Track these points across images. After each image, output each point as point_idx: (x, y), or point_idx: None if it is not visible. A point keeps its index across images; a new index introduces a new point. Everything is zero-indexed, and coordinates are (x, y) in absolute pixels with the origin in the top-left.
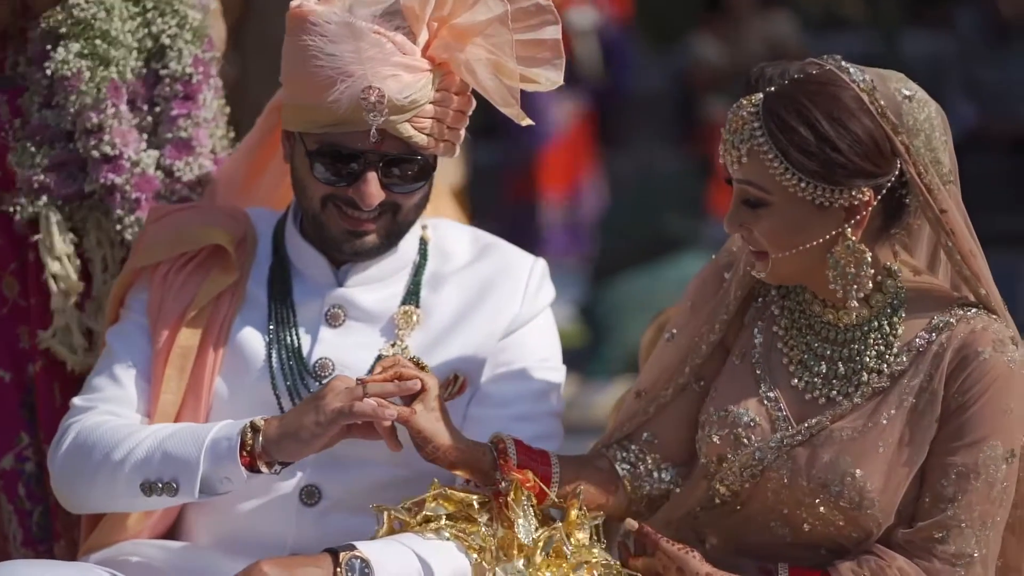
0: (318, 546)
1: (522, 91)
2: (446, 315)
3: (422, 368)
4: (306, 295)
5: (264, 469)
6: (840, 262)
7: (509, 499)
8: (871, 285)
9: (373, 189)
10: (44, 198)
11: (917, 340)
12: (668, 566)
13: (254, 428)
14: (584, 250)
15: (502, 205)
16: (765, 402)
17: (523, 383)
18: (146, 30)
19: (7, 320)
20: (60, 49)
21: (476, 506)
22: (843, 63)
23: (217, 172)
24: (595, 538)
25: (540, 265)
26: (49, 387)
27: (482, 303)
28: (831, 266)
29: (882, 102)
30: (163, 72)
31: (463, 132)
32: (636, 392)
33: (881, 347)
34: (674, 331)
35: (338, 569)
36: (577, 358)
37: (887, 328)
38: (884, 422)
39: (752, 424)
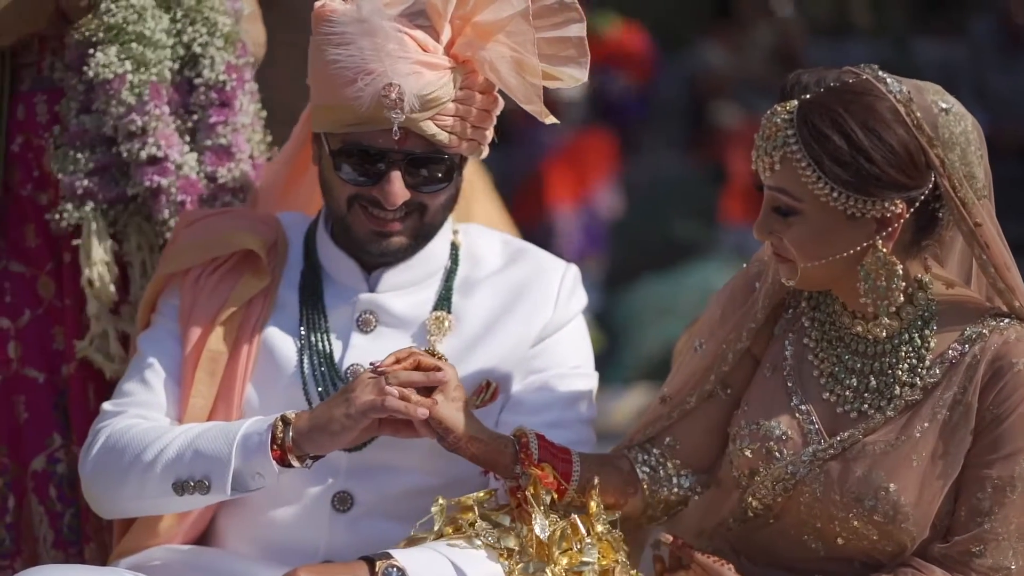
0: (350, 552)
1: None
2: (478, 321)
3: (438, 358)
4: (337, 300)
5: (295, 463)
6: (871, 275)
7: (528, 494)
8: (902, 299)
9: (397, 188)
10: (90, 204)
11: (950, 352)
12: None
13: (284, 421)
14: (600, 251)
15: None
16: (797, 415)
17: (555, 390)
18: (178, 39)
19: (42, 321)
20: (99, 54)
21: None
22: (880, 73)
23: (257, 179)
24: (612, 532)
25: (572, 271)
26: (83, 389)
27: (514, 309)
28: (862, 279)
29: (918, 114)
30: (197, 80)
31: (490, 132)
32: (661, 397)
33: (913, 360)
34: (701, 341)
35: None
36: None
37: (919, 341)
38: (917, 435)
39: (784, 438)
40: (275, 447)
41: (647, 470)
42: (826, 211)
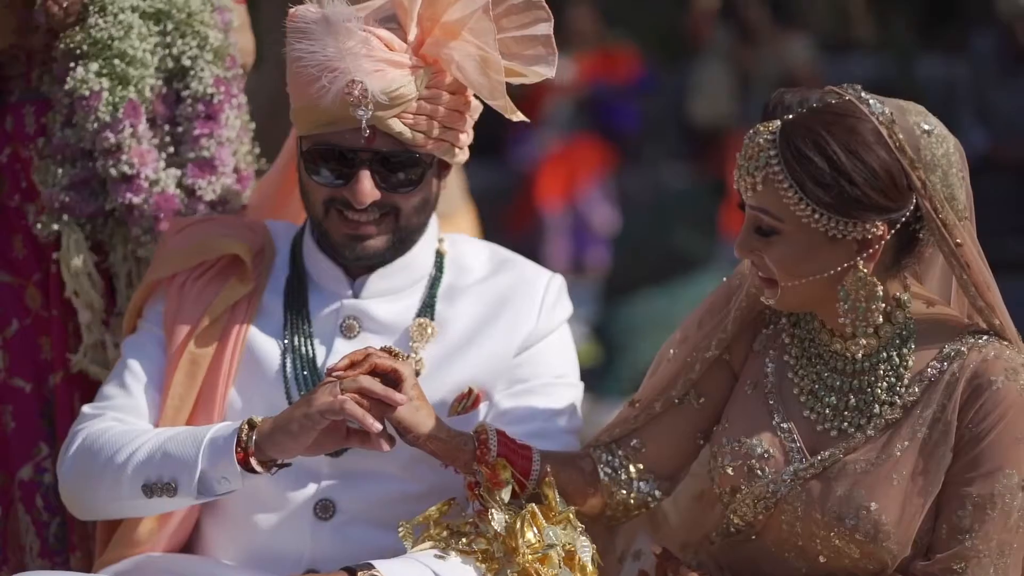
0: (334, 560)
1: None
2: (461, 328)
3: (395, 356)
4: (322, 306)
5: (258, 468)
6: (851, 295)
7: (480, 492)
8: (880, 318)
9: (366, 187)
10: (65, 216)
11: (929, 370)
12: None
13: (250, 425)
14: (592, 257)
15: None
16: (779, 433)
17: (539, 400)
18: (167, 51)
19: (29, 331)
20: (79, 69)
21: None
22: (863, 94)
23: (243, 191)
24: (572, 526)
25: (557, 281)
26: (69, 398)
27: (498, 317)
28: (842, 298)
29: (900, 136)
30: (184, 92)
31: (465, 136)
32: (631, 401)
33: (892, 379)
34: (674, 349)
35: None
36: (590, 377)
37: (897, 359)
38: (898, 454)
39: (766, 456)
40: (239, 450)
41: (609, 471)
42: (807, 232)
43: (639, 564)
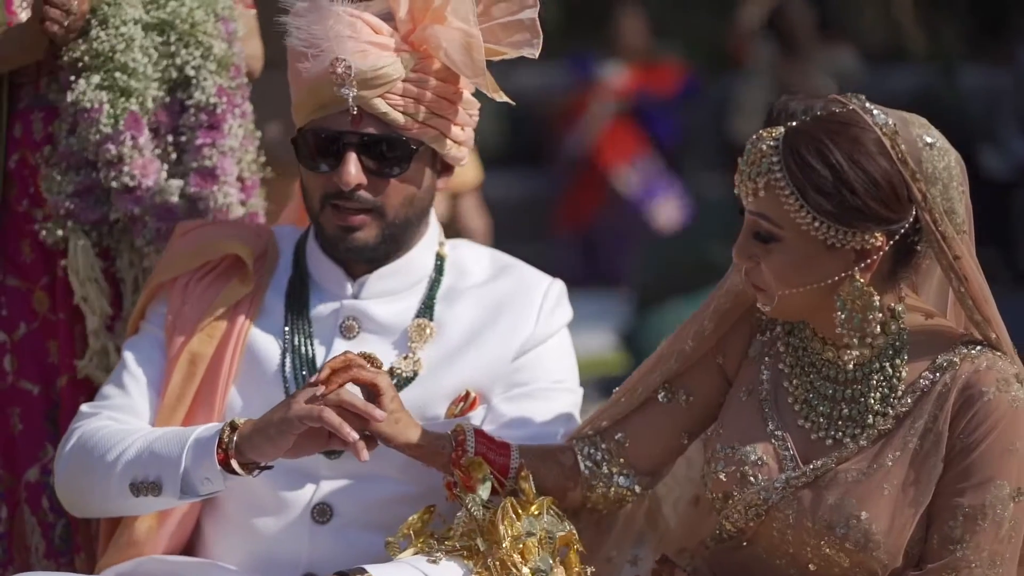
0: (332, 563)
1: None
2: (460, 330)
3: (375, 365)
4: (322, 306)
5: (239, 470)
6: (847, 305)
7: (457, 491)
8: (878, 328)
9: (352, 168)
10: (70, 223)
11: (921, 381)
12: None
13: (232, 426)
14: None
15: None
16: (773, 441)
17: (536, 404)
18: (170, 61)
19: (37, 334)
20: (80, 81)
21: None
22: (867, 104)
23: (248, 199)
24: (554, 514)
25: (557, 286)
26: (75, 402)
27: (496, 321)
28: (839, 308)
29: (903, 147)
30: (188, 102)
31: (459, 129)
32: (618, 391)
33: (885, 389)
34: (664, 342)
35: None
36: (619, 386)
37: (890, 370)
38: (889, 464)
39: (760, 463)
40: (220, 451)
41: (590, 464)
42: (806, 240)
43: (636, 570)
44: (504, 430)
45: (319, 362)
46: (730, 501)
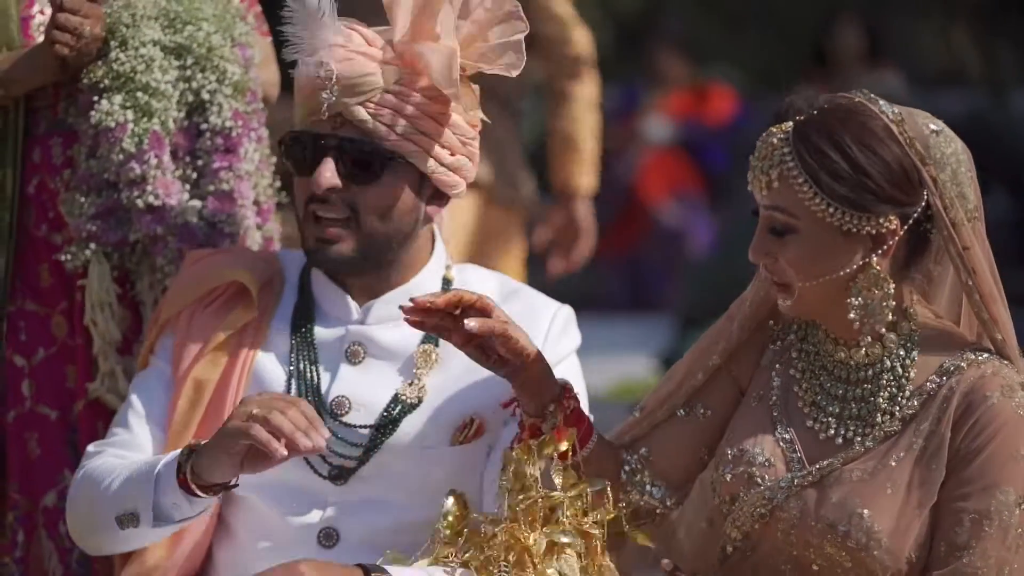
0: None
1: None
2: (466, 357)
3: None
4: (328, 332)
5: (199, 493)
6: (862, 291)
7: (532, 443)
8: (891, 317)
9: (326, 171)
10: (92, 246)
11: (928, 384)
12: None
13: (191, 449)
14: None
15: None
16: (780, 443)
17: None
18: (187, 85)
19: (55, 359)
20: (104, 101)
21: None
22: (872, 95)
23: (264, 223)
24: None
25: (564, 311)
26: (92, 426)
27: None
28: (853, 294)
29: (910, 133)
30: (204, 126)
31: (447, 152)
32: (639, 408)
33: (893, 389)
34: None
35: None
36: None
37: (899, 370)
38: (893, 464)
39: (767, 464)
40: (181, 475)
41: (627, 469)
42: (822, 227)
43: None
44: None
45: (324, 388)
46: (736, 504)
